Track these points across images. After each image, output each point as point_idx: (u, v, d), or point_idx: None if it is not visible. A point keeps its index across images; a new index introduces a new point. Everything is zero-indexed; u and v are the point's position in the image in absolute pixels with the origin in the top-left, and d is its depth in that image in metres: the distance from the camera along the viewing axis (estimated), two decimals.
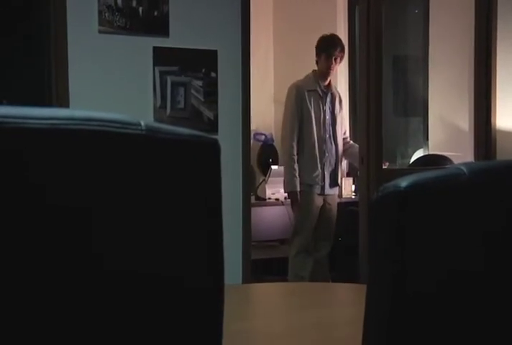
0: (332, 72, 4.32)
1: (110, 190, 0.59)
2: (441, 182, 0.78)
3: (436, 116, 5.13)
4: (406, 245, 0.76)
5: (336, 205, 4.43)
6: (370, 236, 0.81)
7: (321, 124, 4.23)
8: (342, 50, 4.30)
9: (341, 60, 4.32)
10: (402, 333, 0.77)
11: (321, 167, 4.23)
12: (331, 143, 4.29)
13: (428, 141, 5.22)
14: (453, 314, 0.80)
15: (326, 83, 4.31)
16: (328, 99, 4.30)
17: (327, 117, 4.27)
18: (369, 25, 3.82)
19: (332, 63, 4.25)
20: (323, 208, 4.30)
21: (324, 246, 4.35)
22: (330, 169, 4.30)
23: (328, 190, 4.31)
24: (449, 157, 4.71)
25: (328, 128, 4.28)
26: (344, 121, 4.50)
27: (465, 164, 0.80)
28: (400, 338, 0.78)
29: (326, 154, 4.26)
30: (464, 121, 4.78)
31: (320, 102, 4.25)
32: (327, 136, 4.27)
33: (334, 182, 4.36)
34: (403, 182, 0.75)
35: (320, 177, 4.24)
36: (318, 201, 4.27)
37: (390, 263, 0.76)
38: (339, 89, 5.67)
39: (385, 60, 4.06)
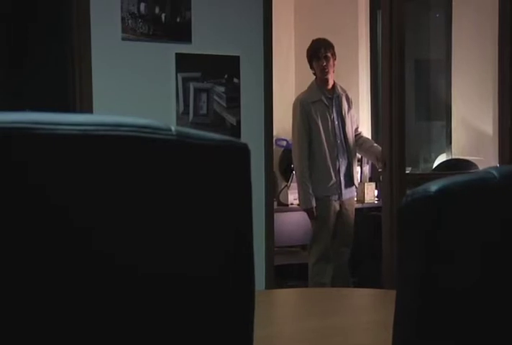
0: (329, 73, 4.25)
1: (142, 195, 0.60)
2: (471, 186, 0.77)
3: (460, 120, 5.09)
4: (436, 249, 0.75)
5: (353, 210, 4.39)
6: (399, 240, 0.80)
7: (330, 132, 4.21)
8: (328, 48, 4.25)
9: (333, 57, 4.26)
10: (431, 334, 0.77)
11: (335, 176, 4.22)
12: (342, 147, 4.28)
13: (452, 145, 5.18)
14: (482, 316, 0.79)
15: (330, 86, 4.28)
16: (334, 104, 4.27)
17: (336, 123, 4.25)
18: (391, 29, 3.81)
19: (323, 63, 4.23)
20: (341, 213, 4.28)
21: (344, 252, 4.33)
22: (344, 173, 4.29)
23: (345, 194, 4.28)
24: (472, 161, 4.67)
25: (339, 132, 4.25)
26: (354, 118, 4.42)
27: (495, 168, 0.79)
28: (429, 340, 0.77)
29: (340, 160, 4.25)
30: (488, 124, 4.74)
31: (326, 111, 4.23)
32: (338, 141, 4.25)
33: (350, 183, 4.33)
34: (433, 187, 0.75)
35: (336, 185, 4.23)
36: (335, 208, 4.25)
37: (420, 267, 0.76)
38: (360, 93, 5.67)
39: (407, 63, 4.04)
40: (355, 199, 4.61)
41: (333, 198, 4.23)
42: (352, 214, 4.36)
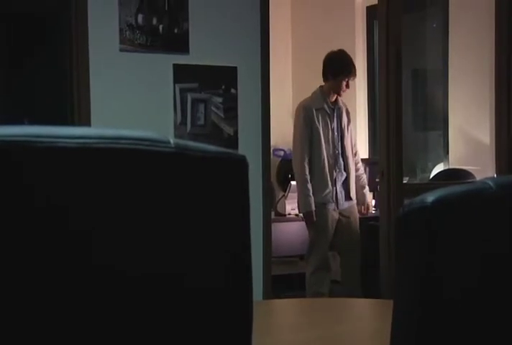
0: (342, 93, 4.28)
1: (141, 207, 0.60)
2: (468, 196, 0.78)
3: (457, 130, 5.10)
4: (434, 260, 0.75)
5: (356, 217, 4.38)
6: (397, 251, 0.81)
7: (329, 141, 4.23)
8: (354, 73, 4.25)
9: (353, 79, 4.29)
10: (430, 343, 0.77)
11: (332, 185, 4.22)
12: (342, 158, 4.29)
13: (449, 155, 5.19)
14: (482, 326, 0.79)
15: (333, 99, 4.29)
16: (335, 114, 4.29)
17: (335, 133, 4.26)
18: (388, 39, 3.82)
19: (342, 88, 4.24)
20: (340, 222, 4.28)
21: (352, 257, 4.33)
22: (342, 184, 4.29)
23: (343, 205, 4.29)
24: (470, 171, 4.68)
25: (337, 144, 4.27)
26: (352, 133, 4.41)
27: (492, 178, 0.80)
28: None
29: (337, 170, 4.26)
30: (485, 134, 4.75)
31: (328, 119, 4.24)
32: (336, 152, 4.27)
33: (348, 197, 4.33)
34: (430, 198, 0.75)
35: (332, 194, 4.23)
36: (333, 217, 4.26)
37: (418, 277, 0.76)
38: (357, 103, 5.69)
39: (404, 73, 4.06)
40: (356, 207, 4.55)
41: (329, 207, 4.23)
42: (354, 222, 4.34)
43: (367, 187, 4.52)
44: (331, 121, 4.26)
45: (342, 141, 4.30)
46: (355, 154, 4.44)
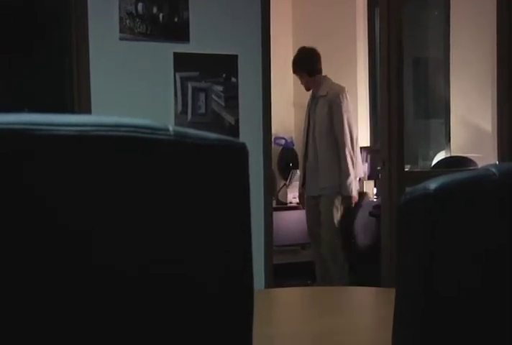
0: (303, 84, 4.53)
1: (141, 195, 0.60)
2: (470, 183, 0.77)
3: (458, 118, 5.09)
4: (436, 247, 0.75)
5: (324, 209, 4.36)
6: (399, 238, 0.80)
7: (305, 130, 4.49)
8: (295, 70, 4.57)
9: (302, 74, 4.51)
10: (432, 332, 0.77)
11: (302, 169, 4.51)
12: (312, 146, 4.40)
13: (450, 142, 5.18)
14: (484, 313, 0.79)
15: (309, 90, 4.51)
16: (313, 105, 4.46)
17: (310, 123, 4.45)
18: (389, 27, 3.80)
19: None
20: (313, 208, 4.41)
21: (324, 240, 4.42)
22: (312, 173, 4.40)
23: (311, 192, 4.41)
24: (471, 158, 4.67)
25: (310, 132, 4.43)
26: (329, 120, 4.33)
27: (495, 165, 0.79)
28: (431, 337, 0.77)
29: (305, 157, 4.45)
30: (487, 122, 4.74)
31: (309, 111, 4.49)
32: (307, 139, 4.44)
33: (314, 189, 4.40)
34: (432, 185, 0.74)
35: (301, 178, 4.51)
36: (308, 201, 4.46)
37: (420, 264, 0.76)
38: (358, 92, 5.66)
39: (405, 61, 4.04)
40: (328, 198, 4.42)
41: (303, 190, 4.48)
42: (324, 212, 4.35)
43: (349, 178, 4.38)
44: (311, 112, 4.47)
45: (313, 132, 4.37)
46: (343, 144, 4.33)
